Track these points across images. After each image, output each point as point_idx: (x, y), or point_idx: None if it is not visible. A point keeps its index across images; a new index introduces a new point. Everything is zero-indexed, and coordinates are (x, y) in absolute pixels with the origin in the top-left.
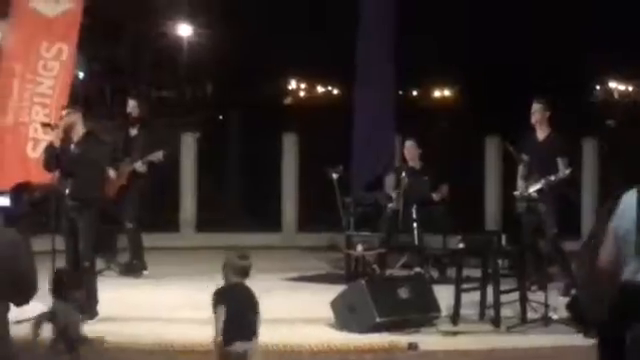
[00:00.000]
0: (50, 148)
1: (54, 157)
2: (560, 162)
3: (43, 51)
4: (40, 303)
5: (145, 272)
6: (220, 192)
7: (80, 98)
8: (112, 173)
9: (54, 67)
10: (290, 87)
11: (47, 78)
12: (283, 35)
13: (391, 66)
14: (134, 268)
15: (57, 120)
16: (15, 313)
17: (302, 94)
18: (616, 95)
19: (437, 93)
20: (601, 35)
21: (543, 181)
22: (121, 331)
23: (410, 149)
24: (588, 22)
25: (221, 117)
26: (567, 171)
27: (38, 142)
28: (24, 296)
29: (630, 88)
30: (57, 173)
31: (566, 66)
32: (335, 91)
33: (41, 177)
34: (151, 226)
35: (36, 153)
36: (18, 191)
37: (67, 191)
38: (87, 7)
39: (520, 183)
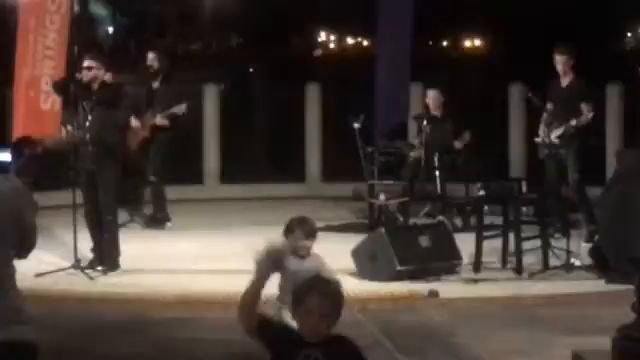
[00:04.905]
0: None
1: (64, 88)
2: (584, 107)
3: (49, 4)
4: (61, 258)
5: (169, 224)
6: (245, 144)
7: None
8: (135, 122)
9: (57, 20)
10: (320, 39)
11: (52, 31)
12: None
13: (410, 14)
14: (157, 220)
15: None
16: (36, 266)
17: (332, 46)
18: None
19: (467, 43)
20: None
21: (565, 126)
22: (143, 283)
23: (434, 98)
24: None
25: (251, 70)
26: (589, 115)
27: (49, 95)
28: (26, 249)
29: None
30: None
31: (597, 13)
32: (365, 42)
33: (54, 130)
34: (175, 178)
35: (47, 105)
36: (19, 146)
37: (88, 136)
38: None
39: (542, 129)
